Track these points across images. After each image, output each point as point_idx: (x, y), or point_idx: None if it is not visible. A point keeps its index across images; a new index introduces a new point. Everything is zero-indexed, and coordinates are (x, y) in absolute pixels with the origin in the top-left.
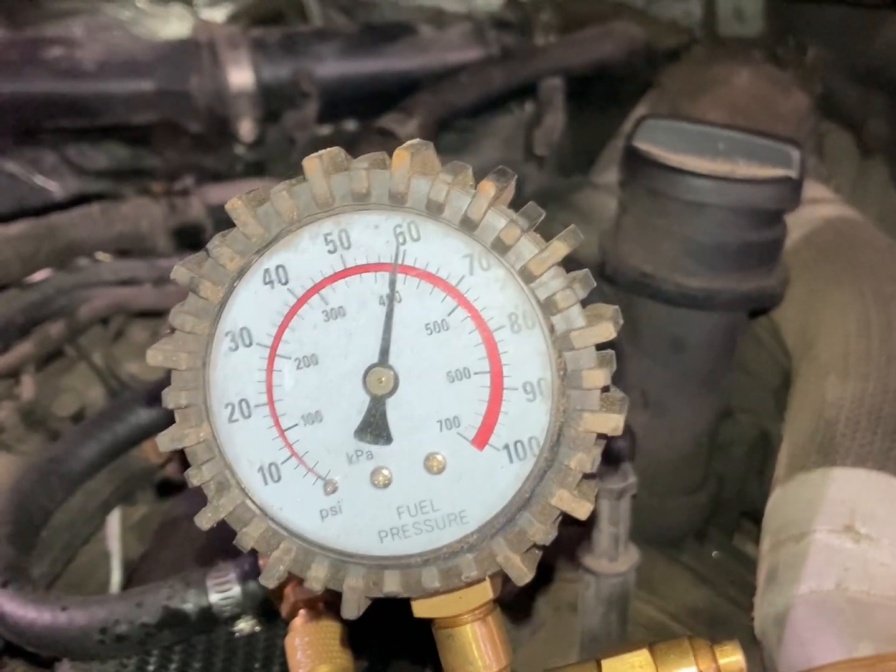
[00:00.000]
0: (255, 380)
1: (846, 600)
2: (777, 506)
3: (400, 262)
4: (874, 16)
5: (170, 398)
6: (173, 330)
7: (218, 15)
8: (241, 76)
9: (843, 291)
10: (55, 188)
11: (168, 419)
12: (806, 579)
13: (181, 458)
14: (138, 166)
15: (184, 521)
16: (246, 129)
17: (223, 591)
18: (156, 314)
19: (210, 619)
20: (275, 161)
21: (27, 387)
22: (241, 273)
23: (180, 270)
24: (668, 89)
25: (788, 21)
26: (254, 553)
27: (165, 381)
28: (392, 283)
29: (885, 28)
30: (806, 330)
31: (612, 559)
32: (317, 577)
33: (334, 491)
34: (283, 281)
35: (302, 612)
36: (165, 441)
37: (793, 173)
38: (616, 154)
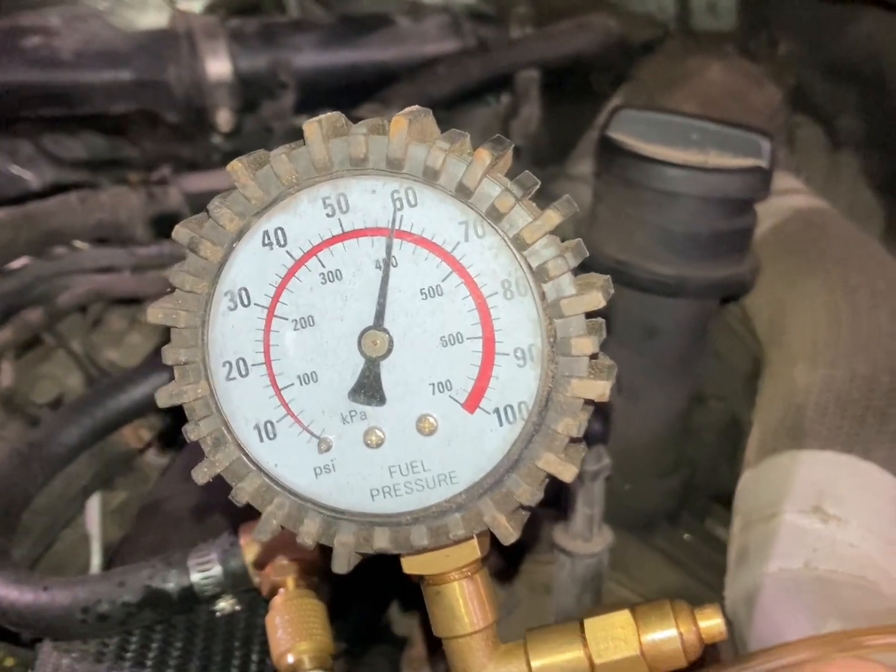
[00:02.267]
0: (252, 339)
1: (814, 579)
2: (747, 488)
3: (397, 227)
4: (846, 10)
5: (169, 355)
6: (173, 289)
7: (195, 5)
8: (218, 66)
9: (812, 280)
10: (31, 178)
11: (148, 404)
12: (775, 558)
13: (159, 443)
14: (115, 156)
15: (164, 505)
16: (223, 119)
17: (204, 570)
18: (134, 301)
19: (191, 598)
20: (252, 151)
21: (6, 374)
22: (241, 234)
23: (181, 230)
24: (643, 82)
25: (761, 15)
26: (235, 533)
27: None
28: (388, 248)
29: (856, 22)
30: (776, 318)
31: (587, 540)
32: (309, 532)
33: (328, 449)
34: (282, 243)
35: (282, 590)
36: (164, 396)
37: (763, 163)
38: (590, 145)
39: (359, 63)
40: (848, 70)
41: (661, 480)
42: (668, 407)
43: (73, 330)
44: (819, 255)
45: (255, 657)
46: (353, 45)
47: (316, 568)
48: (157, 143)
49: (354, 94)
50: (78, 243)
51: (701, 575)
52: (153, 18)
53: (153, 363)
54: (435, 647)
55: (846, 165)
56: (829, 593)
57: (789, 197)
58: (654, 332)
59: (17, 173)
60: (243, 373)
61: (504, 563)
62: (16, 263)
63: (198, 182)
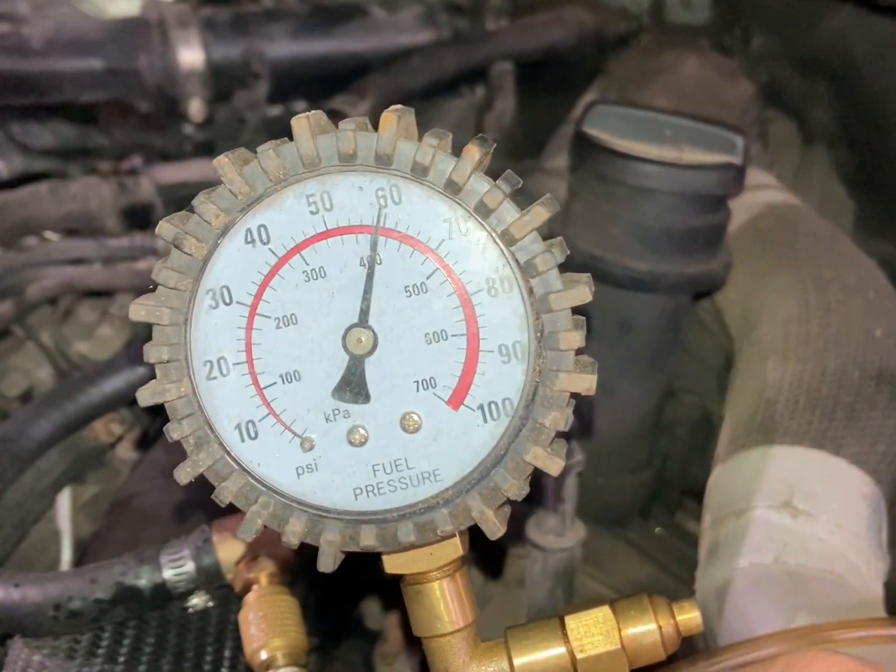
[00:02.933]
0: (234, 338)
1: (784, 573)
2: (718, 483)
3: (381, 224)
4: (819, 5)
5: (151, 353)
6: (155, 286)
7: None
8: (191, 55)
9: (784, 276)
10: (0, 167)
11: (119, 399)
12: (746, 553)
13: (132, 438)
14: (85, 145)
15: (135, 500)
16: (195, 108)
17: (177, 567)
18: (105, 294)
19: (164, 594)
20: (224, 141)
21: None
22: (225, 231)
23: (165, 226)
24: (617, 76)
25: (735, 9)
26: (208, 529)
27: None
28: (373, 246)
29: (829, 17)
30: (748, 313)
31: (559, 535)
32: (294, 532)
33: (311, 448)
34: (265, 240)
35: (255, 587)
36: (146, 395)
37: (736, 160)
38: (565, 139)
39: (333, 53)
40: (820, 65)
41: (634, 475)
42: (641, 402)
43: (43, 322)
44: (791, 251)
45: (228, 653)
46: (326, 35)
47: (290, 564)
48: (128, 132)
49: (328, 84)
50: (48, 234)
51: (672, 568)
52: (124, 6)
53: (125, 357)
54: (409, 640)
55: (818, 160)
56: (799, 587)
57: (762, 192)
58: (627, 328)
59: None
60: (224, 372)
61: (477, 557)
62: None
63: (169, 173)
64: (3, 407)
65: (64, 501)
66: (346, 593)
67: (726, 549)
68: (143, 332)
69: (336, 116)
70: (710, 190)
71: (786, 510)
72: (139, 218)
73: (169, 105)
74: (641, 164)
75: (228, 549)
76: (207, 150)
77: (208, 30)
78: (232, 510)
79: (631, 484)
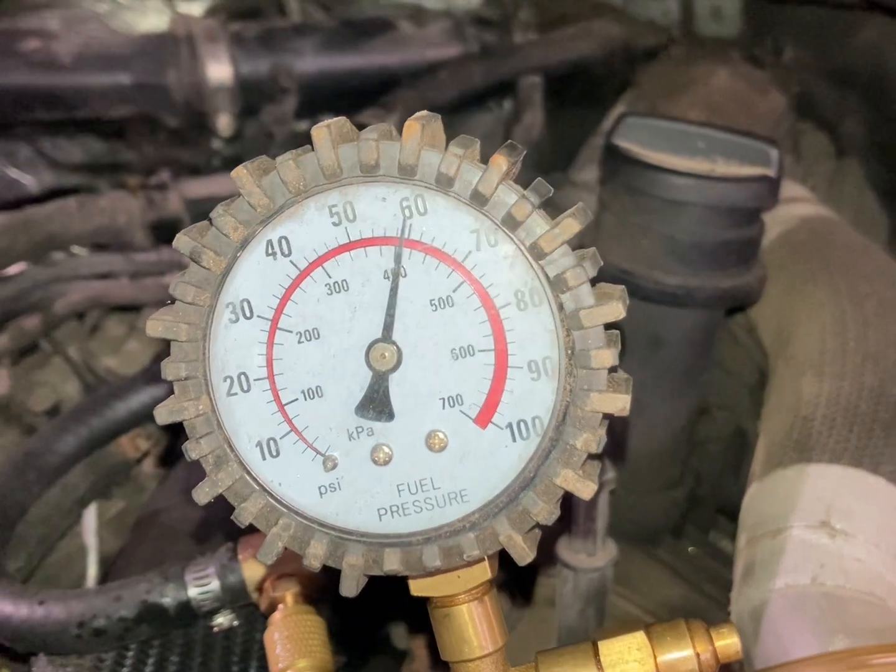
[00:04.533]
0: (255, 353)
1: (822, 595)
2: (753, 502)
3: (406, 236)
4: (850, 17)
5: (169, 370)
6: (173, 300)
7: (195, 9)
8: (219, 70)
9: (819, 290)
10: (30, 181)
11: (146, 414)
12: (782, 574)
13: (158, 454)
14: (114, 160)
15: (161, 516)
16: (224, 123)
17: (202, 585)
18: (132, 308)
19: (188, 613)
20: (252, 156)
21: (2, 381)
22: (245, 244)
23: (182, 239)
24: (646, 89)
25: (766, 21)
26: (233, 546)
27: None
28: (398, 258)
29: (860, 29)
30: (782, 328)
31: (591, 554)
32: (315, 554)
33: (334, 467)
34: (286, 253)
35: (281, 606)
36: (164, 413)
37: (771, 172)
38: (594, 152)
39: (360, 68)
40: (852, 77)
41: (666, 493)
42: (673, 418)
43: (71, 337)
44: (826, 264)
45: None
46: (354, 49)
47: (316, 583)
48: (157, 147)
49: (356, 99)
50: (76, 249)
51: (705, 589)
52: (153, 21)
53: (152, 372)
54: (436, 660)
55: (850, 173)
56: (837, 610)
57: (795, 205)
58: (659, 343)
59: (15, 177)
60: (245, 388)
61: (505, 577)
62: (13, 269)
63: (198, 188)
64: (29, 422)
65: (90, 517)
66: (373, 611)
67: (762, 569)
68: None
69: None
70: (744, 203)
71: (823, 530)
72: (167, 232)
73: (197, 120)
74: (674, 177)
75: (254, 567)
76: (235, 164)
77: (237, 45)
78: (252, 531)
79: (663, 502)
